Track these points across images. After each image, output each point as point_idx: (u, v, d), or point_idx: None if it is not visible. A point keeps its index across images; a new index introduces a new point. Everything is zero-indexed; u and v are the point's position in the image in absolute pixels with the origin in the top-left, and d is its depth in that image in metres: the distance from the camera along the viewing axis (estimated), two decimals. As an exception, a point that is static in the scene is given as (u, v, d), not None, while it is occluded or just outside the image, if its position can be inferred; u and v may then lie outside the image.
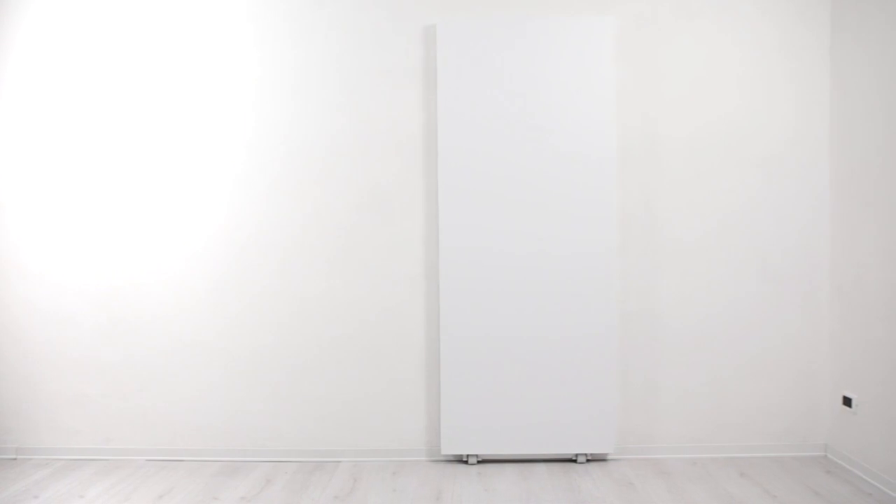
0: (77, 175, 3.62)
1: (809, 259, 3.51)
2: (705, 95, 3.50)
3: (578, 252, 3.40)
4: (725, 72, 3.50)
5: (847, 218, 3.37)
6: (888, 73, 3.03)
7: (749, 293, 3.51)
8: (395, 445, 3.55)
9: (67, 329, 3.64)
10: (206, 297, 3.60)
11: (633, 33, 3.50)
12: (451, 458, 3.52)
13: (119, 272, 3.61)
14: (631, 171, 3.50)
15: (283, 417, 3.59)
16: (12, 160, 3.63)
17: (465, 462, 3.47)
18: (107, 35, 3.59)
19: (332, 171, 3.56)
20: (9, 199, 3.64)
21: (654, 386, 3.53)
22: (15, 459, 3.61)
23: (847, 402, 3.34)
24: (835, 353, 3.48)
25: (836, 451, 3.45)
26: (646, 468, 3.36)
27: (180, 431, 3.61)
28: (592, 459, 3.48)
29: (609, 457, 3.50)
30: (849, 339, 3.36)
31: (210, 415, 3.60)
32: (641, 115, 3.48)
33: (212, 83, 3.58)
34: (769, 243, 3.50)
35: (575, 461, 3.45)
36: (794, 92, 3.51)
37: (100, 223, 3.61)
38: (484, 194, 3.41)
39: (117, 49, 3.59)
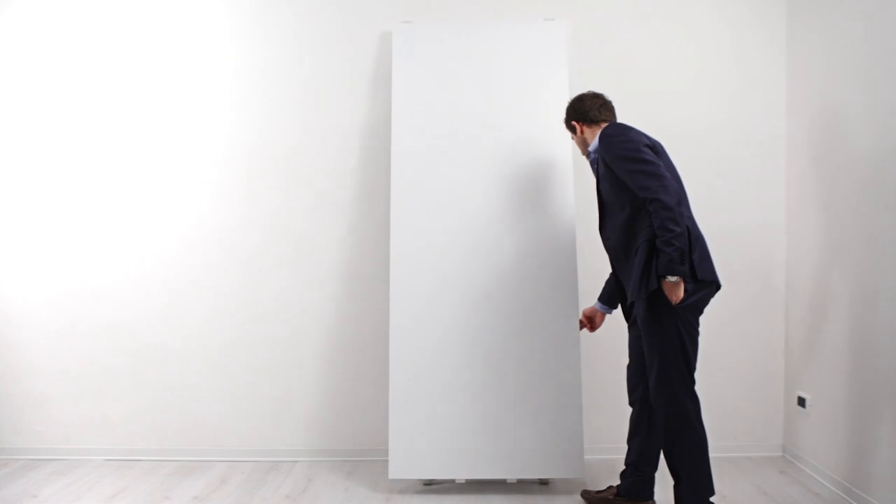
0: (40, 177, 3.63)
1: (765, 259, 3.52)
2: (660, 96, 3.51)
3: (538, 256, 3.21)
4: (680, 72, 3.51)
5: (801, 218, 3.38)
6: (843, 73, 3.04)
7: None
8: (351, 446, 3.56)
9: (27, 331, 3.65)
10: (166, 299, 3.61)
11: (586, 37, 3.51)
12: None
13: (79, 274, 3.63)
14: (588, 174, 3.49)
15: (242, 418, 3.60)
16: (-27, 161, 3.65)
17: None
18: (76, 35, 3.61)
19: (293, 172, 3.58)
20: (-31, 201, 3.66)
21: (615, 389, 3.51)
22: (-25, 459, 3.63)
23: (801, 402, 3.34)
24: (790, 353, 3.49)
25: (792, 452, 3.45)
26: (602, 468, 3.37)
27: (139, 431, 3.62)
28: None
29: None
30: (802, 338, 3.37)
31: (169, 415, 3.61)
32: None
33: (184, 86, 3.60)
34: (725, 245, 3.48)
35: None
36: (750, 92, 3.52)
37: (60, 225, 3.63)
38: (438, 197, 3.26)
39: (89, 49, 3.61)
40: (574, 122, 2.89)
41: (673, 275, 2.43)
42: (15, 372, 3.66)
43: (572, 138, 2.99)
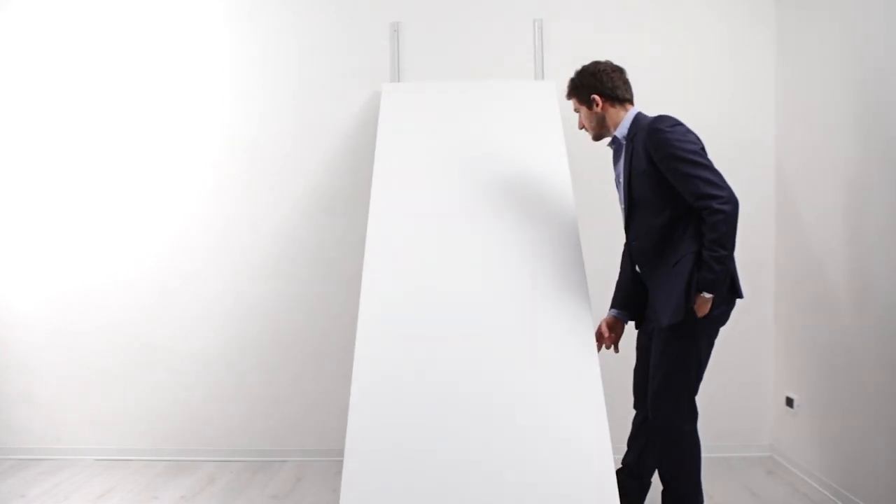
0: (32, 178, 3.65)
1: (754, 260, 3.50)
2: (649, 96, 3.45)
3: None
4: (669, 73, 3.51)
5: (790, 219, 3.37)
6: (831, 75, 3.03)
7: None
8: (340, 445, 3.54)
9: (20, 331, 3.67)
10: (157, 300, 3.62)
11: (574, 38, 3.51)
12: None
13: (71, 275, 3.64)
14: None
15: (232, 417, 3.61)
16: (-36, 162, 3.67)
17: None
18: (67, 35, 3.63)
19: (285, 175, 3.59)
20: (-40, 201, 3.68)
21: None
22: (-34, 459, 3.64)
23: (790, 402, 3.34)
24: (778, 353, 3.48)
25: (781, 452, 3.45)
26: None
27: (130, 431, 3.63)
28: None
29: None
30: (790, 338, 3.37)
31: (159, 415, 3.62)
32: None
33: (178, 90, 3.62)
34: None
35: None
36: (739, 93, 3.51)
37: (53, 226, 3.64)
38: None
39: (82, 49, 3.62)
40: (595, 96, 2.51)
41: (712, 293, 2.28)
42: (7, 372, 3.67)
43: (577, 110, 2.60)
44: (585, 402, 2.32)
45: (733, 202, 2.27)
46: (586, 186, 3.38)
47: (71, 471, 3.45)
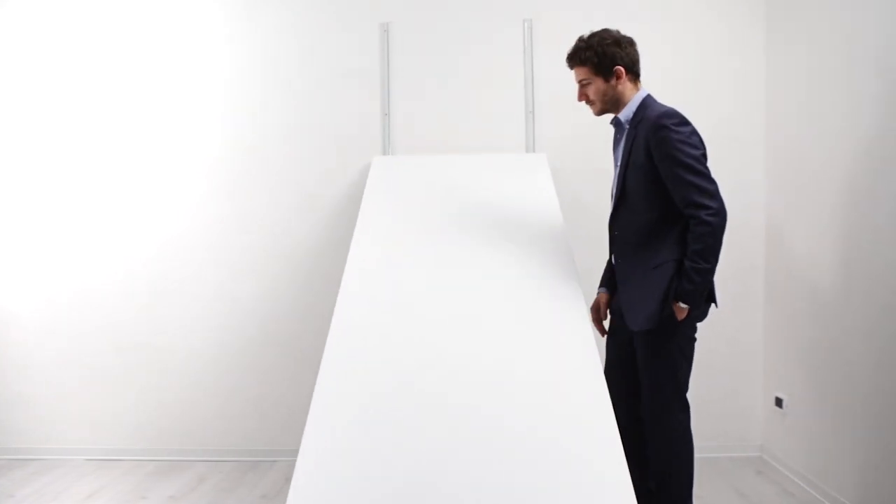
0: (26, 178, 3.65)
1: (744, 261, 3.52)
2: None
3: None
4: (659, 73, 3.50)
5: (779, 219, 3.38)
6: (821, 74, 3.04)
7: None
8: (331, 445, 3.57)
9: (10, 330, 3.66)
10: (150, 300, 3.62)
11: (563, 37, 3.49)
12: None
13: (65, 275, 3.64)
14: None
15: (223, 417, 3.61)
16: (-46, 162, 3.66)
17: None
18: (61, 36, 3.63)
19: (280, 177, 3.60)
20: (-49, 201, 3.67)
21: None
22: (-43, 459, 3.64)
23: (779, 402, 3.35)
24: (768, 353, 3.50)
25: (770, 452, 3.46)
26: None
27: (121, 431, 3.63)
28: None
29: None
30: (780, 339, 3.38)
31: (150, 415, 3.62)
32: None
33: (173, 90, 3.61)
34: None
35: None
36: (729, 93, 3.52)
37: (47, 226, 3.64)
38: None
39: (77, 50, 3.62)
40: (620, 68, 2.29)
41: (688, 304, 2.23)
42: (1, 372, 3.66)
43: (584, 81, 2.36)
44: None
45: (722, 215, 2.20)
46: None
47: (61, 471, 3.45)
